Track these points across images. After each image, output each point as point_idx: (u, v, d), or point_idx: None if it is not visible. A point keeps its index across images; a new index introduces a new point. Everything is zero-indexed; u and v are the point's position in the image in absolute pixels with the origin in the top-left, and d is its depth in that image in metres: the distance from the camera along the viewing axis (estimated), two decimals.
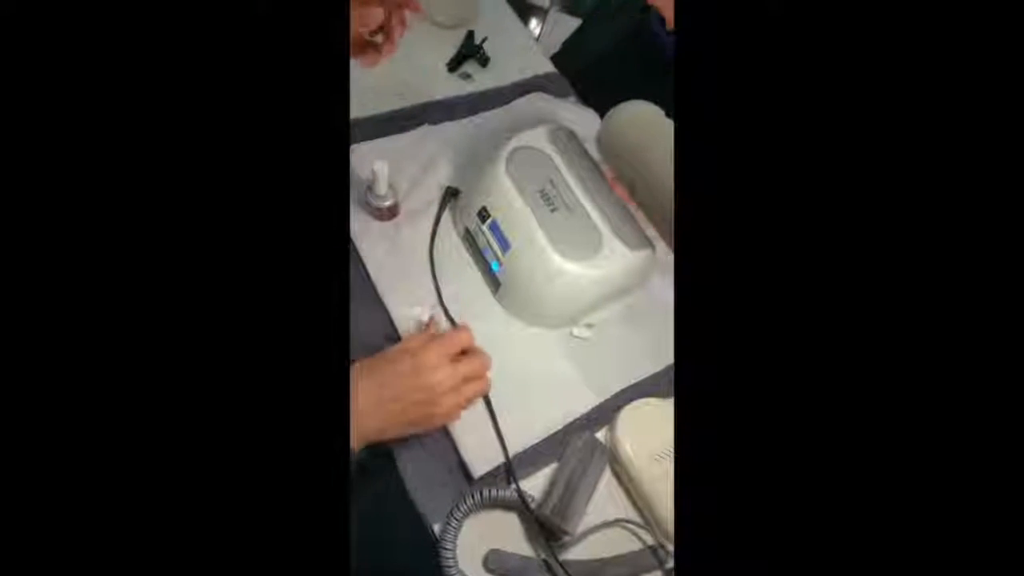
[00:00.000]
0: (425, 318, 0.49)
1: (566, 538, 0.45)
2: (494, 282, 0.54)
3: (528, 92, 0.69)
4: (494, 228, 0.52)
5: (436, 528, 0.46)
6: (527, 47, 0.74)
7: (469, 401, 0.47)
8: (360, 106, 0.64)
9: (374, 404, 0.42)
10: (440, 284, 0.55)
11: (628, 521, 0.48)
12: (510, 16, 0.76)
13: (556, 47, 0.83)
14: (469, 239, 0.56)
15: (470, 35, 0.71)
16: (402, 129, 0.63)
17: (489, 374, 0.48)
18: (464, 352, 0.46)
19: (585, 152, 0.56)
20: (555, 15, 0.94)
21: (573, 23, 0.91)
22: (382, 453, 0.48)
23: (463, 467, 0.48)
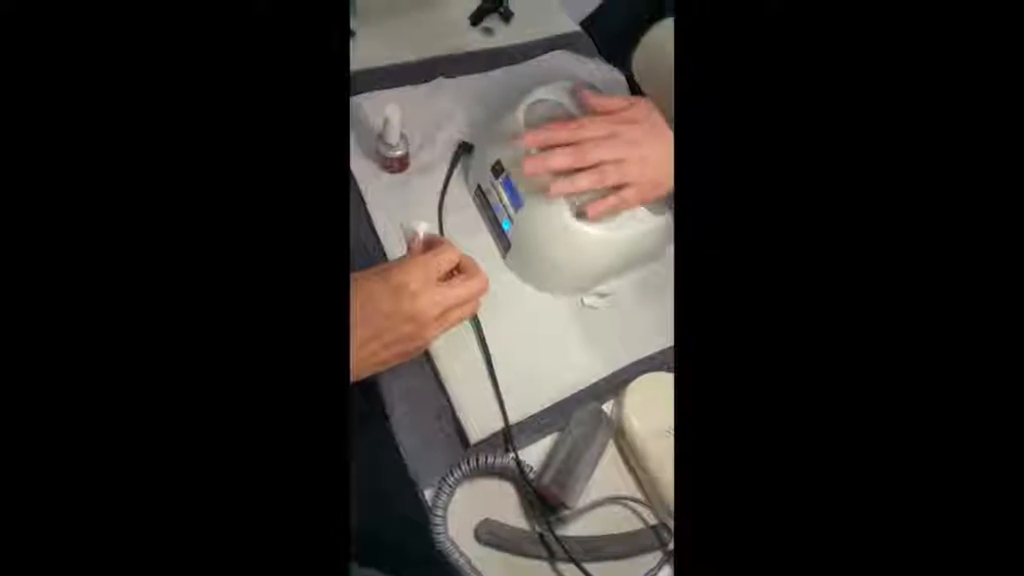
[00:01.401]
0: (420, 233, 0.41)
1: (564, 512, 0.43)
2: (504, 243, 0.52)
3: (551, 49, 0.66)
4: (507, 184, 0.49)
5: (427, 493, 0.44)
6: (552, 5, 0.70)
7: (452, 326, 0.40)
8: (376, 56, 0.61)
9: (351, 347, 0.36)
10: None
11: (630, 499, 0.45)
12: None
13: (579, 12, 0.80)
14: (481, 196, 0.53)
15: None
16: (418, 81, 0.60)
17: (482, 300, 0.41)
18: (457, 270, 0.40)
19: None
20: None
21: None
22: (374, 414, 0.46)
23: (460, 431, 0.46)
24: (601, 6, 0.83)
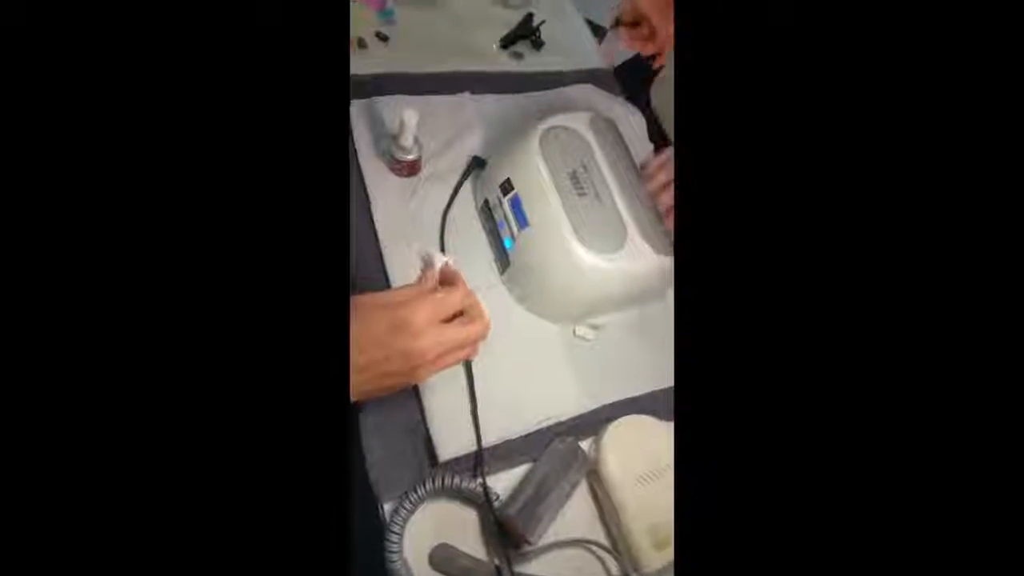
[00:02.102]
0: (437, 264, 0.38)
1: (525, 547, 0.41)
2: (503, 261, 0.51)
3: (578, 82, 0.66)
4: (515, 203, 0.49)
5: (386, 508, 0.41)
6: (583, 39, 0.72)
7: (448, 367, 0.38)
8: (405, 63, 0.61)
9: None
10: (447, 252, 0.51)
11: (596, 544, 0.43)
12: (571, 6, 0.74)
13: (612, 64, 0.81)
14: (486, 211, 0.53)
15: (529, 16, 0.69)
16: (443, 92, 0.61)
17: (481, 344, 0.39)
18: (460, 312, 0.37)
19: (626, 148, 0.53)
20: (614, 37, 0.92)
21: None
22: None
23: (430, 447, 0.44)
24: (635, 56, 0.84)
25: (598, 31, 0.77)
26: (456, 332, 0.36)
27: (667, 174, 0.51)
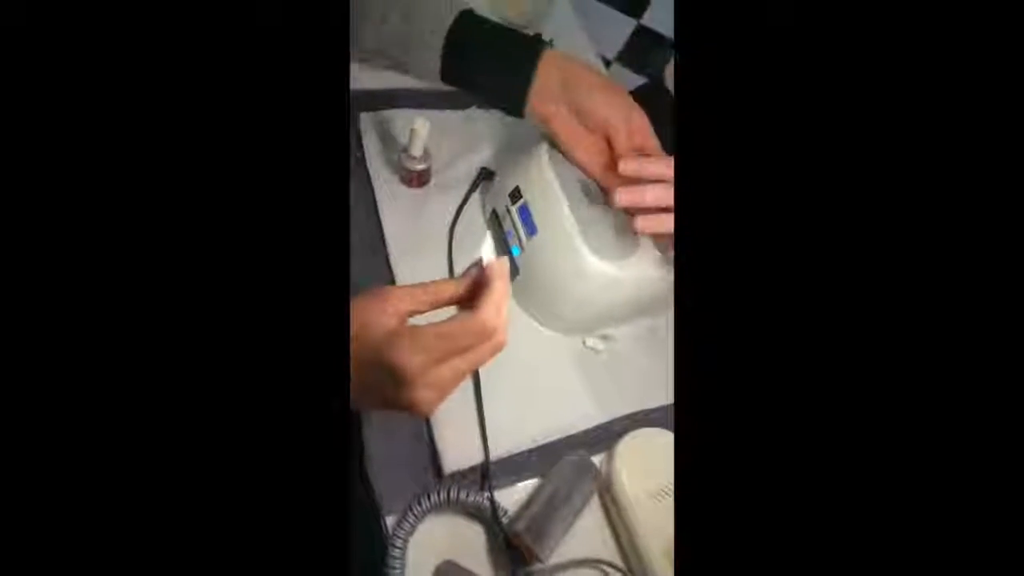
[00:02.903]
0: (485, 259, 0.34)
1: (535, 564, 0.39)
2: (512, 270, 0.50)
3: None
4: (523, 211, 0.48)
5: (389, 521, 0.40)
6: (589, 55, 0.72)
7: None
8: (414, 79, 0.62)
9: None
10: (455, 263, 0.51)
11: (609, 564, 0.41)
12: (577, 23, 0.75)
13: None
14: (495, 222, 0.52)
15: (536, 36, 0.70)
16: (452, 107, 0.61)
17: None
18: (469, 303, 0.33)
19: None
20: (617, 69, 0.94)
21: (634, 79, 0.90)
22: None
23: (435, 458, 0.42)
24: (639, 91, 0.85)
25: (609, 65, 0.78)
26: (461, 365, 0.31)
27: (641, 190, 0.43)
